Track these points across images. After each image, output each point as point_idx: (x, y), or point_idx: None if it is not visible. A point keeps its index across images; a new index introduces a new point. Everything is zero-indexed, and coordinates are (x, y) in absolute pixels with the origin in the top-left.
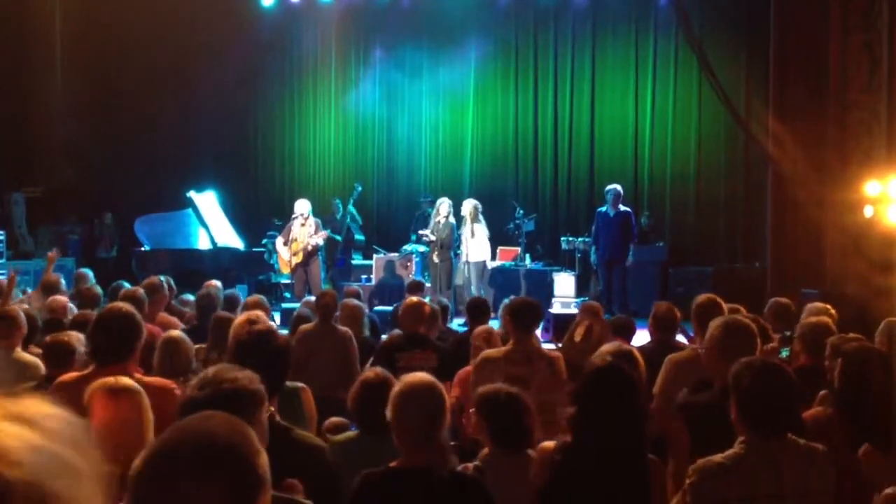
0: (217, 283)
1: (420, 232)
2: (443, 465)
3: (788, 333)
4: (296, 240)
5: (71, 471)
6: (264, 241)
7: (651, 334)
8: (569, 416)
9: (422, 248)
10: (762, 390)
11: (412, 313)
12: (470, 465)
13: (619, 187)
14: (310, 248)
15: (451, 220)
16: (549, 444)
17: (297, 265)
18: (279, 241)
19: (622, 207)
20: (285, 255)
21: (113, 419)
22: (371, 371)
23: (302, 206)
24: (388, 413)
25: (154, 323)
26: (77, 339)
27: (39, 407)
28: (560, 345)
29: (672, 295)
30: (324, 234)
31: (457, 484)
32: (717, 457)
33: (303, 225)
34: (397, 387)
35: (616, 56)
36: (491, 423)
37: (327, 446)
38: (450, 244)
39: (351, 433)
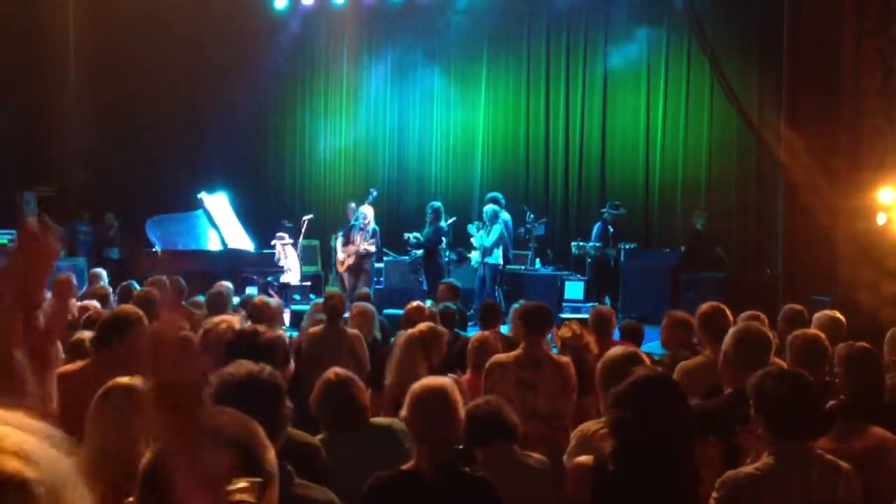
0: (228, 283)
1: (406, 236)
2: (452, 466)
3: None
4: (353, 243)
5: (78, 487)
6: (273, 241)
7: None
8: (612, 421)
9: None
10: (787, 396)
11: (411, 316)
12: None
13: None
14: (361, 250)
15: (442, 223)
16: (584, 459)
17: (350, 267)
18: (339, 241)
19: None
20: (341, 255)
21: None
22: (331, 371)
23: (365, 210)
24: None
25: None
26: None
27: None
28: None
29: (683, 301)
30: (372, 241)
31: (466, 485)
32: (747, 468)
33: (362, 229)
34: (412, 387)
35: (628, 62)
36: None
37: (321, 445)
38: (433, 247)
39: (319, 437)
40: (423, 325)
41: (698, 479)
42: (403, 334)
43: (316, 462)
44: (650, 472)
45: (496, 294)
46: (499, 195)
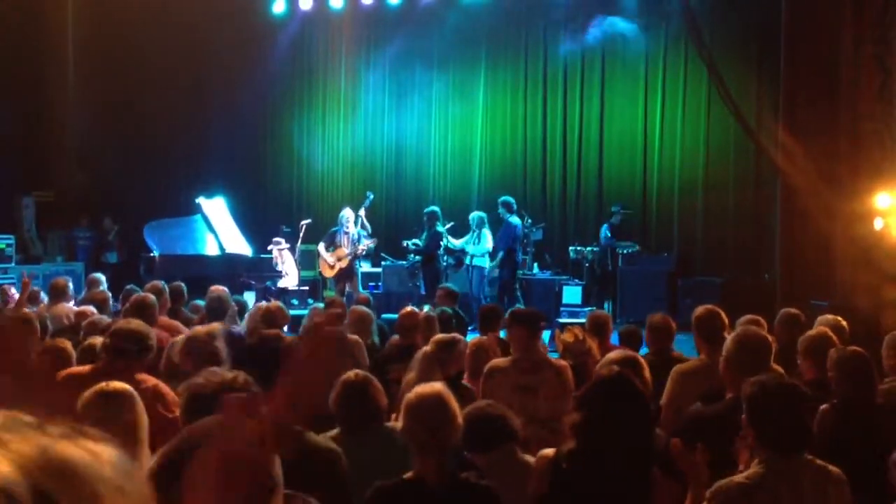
0: (223, 288)
1: (405, 243)
2: (452, 474)
3: None
4: (340, 246)
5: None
6: (269, 246)
7: (648, 345)
8: (573, 422)
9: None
10: (778, 410)
11: (405, 322)
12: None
13: None
14: (357, 251)
15: (438, 228)
16: (548, 451)
17: (342, 270)
18: (321, 245)
19: None
20: (329, 259)
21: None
22: (352, 372)
23: (348, 214)
24: (400, 422)
25: (155, 326)
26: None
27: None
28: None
29: (680, 306)
30: (368, 242)
31: (469, 492)
32: (737, 477)
33: (346, 232)
34: (407, 396)
35: (626, 66)
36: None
37: (341, 451)
38: (431, 252)
39: (332, 433)
40: (443, 336)
41: (655, 480)
42: (423, 349)
43: (334, 468)
44: (601, 473)
45: (482, 298)
46: (511, 199)
